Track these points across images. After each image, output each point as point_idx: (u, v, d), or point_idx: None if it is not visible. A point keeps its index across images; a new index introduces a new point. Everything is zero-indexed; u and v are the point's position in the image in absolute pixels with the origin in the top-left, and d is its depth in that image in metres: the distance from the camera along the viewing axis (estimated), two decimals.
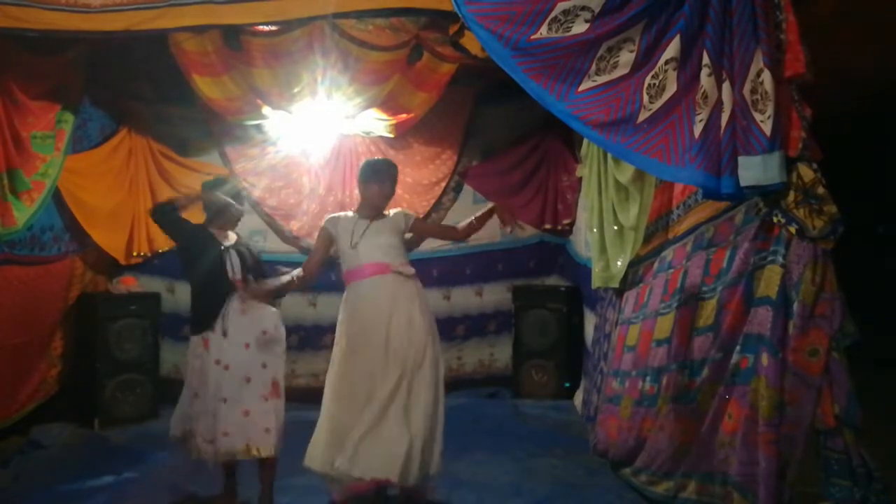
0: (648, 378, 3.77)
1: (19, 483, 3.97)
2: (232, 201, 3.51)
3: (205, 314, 3.33)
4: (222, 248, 3.41)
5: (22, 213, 4.34)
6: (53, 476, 4.06)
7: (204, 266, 3.36)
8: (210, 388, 3.26)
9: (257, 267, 3.56)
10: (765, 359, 2.60)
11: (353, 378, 3.24)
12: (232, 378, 3.25)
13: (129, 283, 5.49)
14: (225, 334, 3.28)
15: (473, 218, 3.58)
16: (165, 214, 3.46)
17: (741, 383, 2.77)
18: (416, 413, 3.15)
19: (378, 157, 3.67)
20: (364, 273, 3.32)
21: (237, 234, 3.58)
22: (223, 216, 3.49)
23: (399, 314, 3.25)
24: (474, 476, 3.96)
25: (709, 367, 3.00)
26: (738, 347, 2.80)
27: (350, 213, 3.48)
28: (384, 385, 3.14)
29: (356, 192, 6.23)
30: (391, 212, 3.48)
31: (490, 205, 3.61)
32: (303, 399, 5.86)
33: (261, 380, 3.32)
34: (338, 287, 6.21)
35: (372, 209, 3.42)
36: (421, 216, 3.62)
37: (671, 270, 3.75)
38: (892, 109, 4.19)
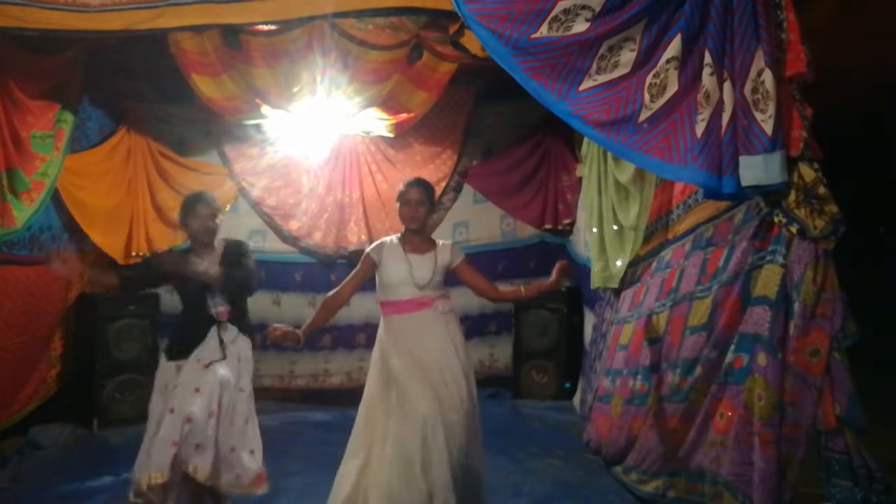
0: (639, 377, 3.77)
1: (19, 483, 3.96)
2: (198, 218, 3.31)
3: (184, 342, 3.24)
4: (204, 285, 3.26)
5: (21, 213, 4.33)
6: (53, 476, 4.06)
7: (187, 299, 3.32)
8: (206, 412, 3.09)
9: (241, 274, 3.35)
10: (762, 358, 2.60)
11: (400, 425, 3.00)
12: (197, 398, 3.11)
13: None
14: (224, 357, 3.20)
15: (523, 287, 3.38)
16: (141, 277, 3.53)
17: (735, 383, 2.77)
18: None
19: (409, 181, 3.35)
20: (408, 308, 3.15)
21: (227, 243, 3.42)
22: (194, 234, 3.34)
23: (443, 355, 3.11)
24: None
25: (702, 365, 2.99)
26: (732, 347, 2.79)
27: (395, 240, 3.26)
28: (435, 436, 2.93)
29: (356, 191, 6.33)
30: (440, 243, 3.27)
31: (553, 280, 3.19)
32: (302, 400, 5.89)
33: (245, 406, 3.24)
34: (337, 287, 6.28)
35: (409, 233, 3.23)
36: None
37: (668, 270, 3.75)
38: (892, 109, 4.19)
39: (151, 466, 2.98)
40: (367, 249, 3.27)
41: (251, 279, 3.38)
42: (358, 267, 3.25)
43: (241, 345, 3.30)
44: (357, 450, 3.09)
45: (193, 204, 3.33)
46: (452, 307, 3.26)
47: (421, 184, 3.26)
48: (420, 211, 3.19)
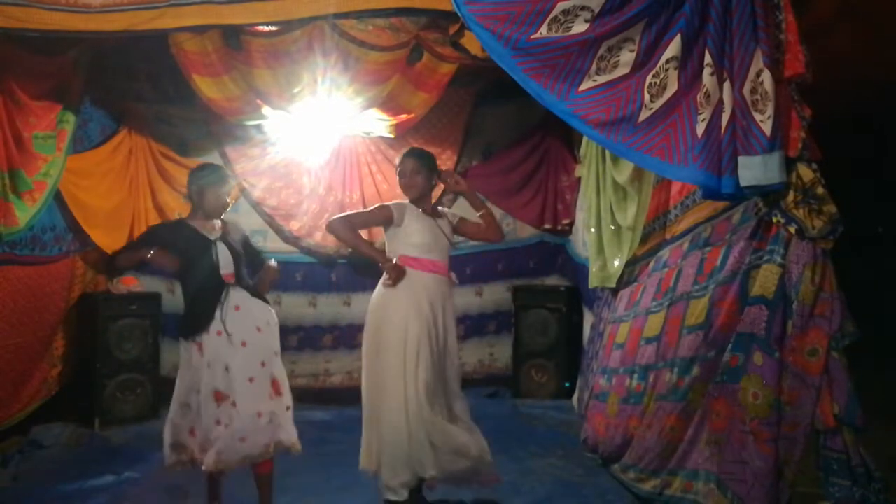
0: (636, 375, 3.78)
1: (19, 483, 3.97)
2: (214, 188, 3.31)
3: (199, 315, 3.16)
4: (209, 241, 3.25)
5: (24, 213, 4.34)
6: (53, 476, 4.07)
7: (192, 264, 3.21)
8: (207, 393, 3.11)
9: (250, 255, 3.44)
10: (758, 358, 2.61)
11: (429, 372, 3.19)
12: (235, 379, 3.10)
13: (130, 283, 5.49)
14: (222, 333, 3.13)
15: (479, 217, 3.50)
16: (133, 245, 3.43)
17: (730, 382, 2.78)
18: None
19: (405, 152, 3.45)
20: (434, 268, 3.27)
21: (224, 220, 3.40)
22: (205, 206, 3.31)
23: (446, 319, 3.30)
24: None
25: (699, 365, 3.00)
26: (729, 346, 2.80)
27: (410, 203, 3.35)
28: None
29: (356, 192, 6.34)
30: (447, 212, 3.46)
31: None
32: (302, 399, 5.88)
33: (263, 378, 3.20)
34: (337, 287, 6.30)
35: (421, 203, 3.34)
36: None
37: (665, 270, 3.76)
38: (892, 109, 4.19)
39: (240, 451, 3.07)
40: (388, 203, 3.34)
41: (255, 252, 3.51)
42: (368, 211, 3.35)
43: (256, 312, 3.26)
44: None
45: (210, 176, 3.31)
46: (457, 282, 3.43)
47: (415, 153, 3.36)
48: (416, 180, 3.28)
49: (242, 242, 3.44)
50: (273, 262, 3.52)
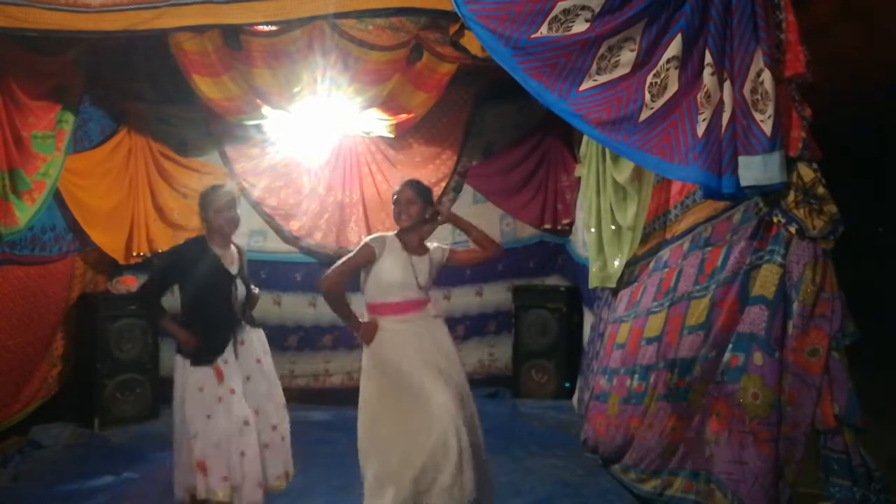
0: (636, 376, 3.77)
1: (19, 483, 3.97)
2: (228, 213, 3.27)
3: (211, 346, 3.15)
4: (232, 277, 3.26)
5: (23, 213, 4.34)
6: (53, 476, 4.06)
7: (209, 294, 3.20)
8: (240, 420, 3.12)
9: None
10: (758, 358, 2.61)
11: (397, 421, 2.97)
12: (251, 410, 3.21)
13: (129, 283, 5.48)
14: (231, 364, 3.19)
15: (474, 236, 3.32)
16: (157, 272, 3.47)
17: (730, 381, 2.78)
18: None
19: (404, 181, 3.29)
20: (408, 308, 3.12)
21: (240, 251, 3.39)
22: (218, 229, 3.28)
23: (449, 349, 3.16)
24: None
25: (700, 365, 3.00)
26: (729, 346, 2.80)
27: (394, 237, 3.19)
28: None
29: (356, 192, 6.34)
30: (432, 246, 3.27)
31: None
32: (302, 399, 5.88)
33: (270, 408, 3.30)
34: None
35: (403, 232, 3.20)
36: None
37: (666, 270, 3.75)
38: (892, 109, 4.19)
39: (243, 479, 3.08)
40: (367, 239, 3.20)
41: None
42: (354, 254, 3.17)
43: (261, 338, 3.37)
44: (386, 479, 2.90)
45: (219, 197, 3.28)
46: (441, 312, 3.29)
47: (411, 184, 3.25)
48: (411, 210, 3.17)
49: (248, 271, 3.45)
50: (256, 291, 3.51)
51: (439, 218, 3.28)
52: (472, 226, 3.33)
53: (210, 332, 3.17)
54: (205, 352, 3.14)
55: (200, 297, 3.21)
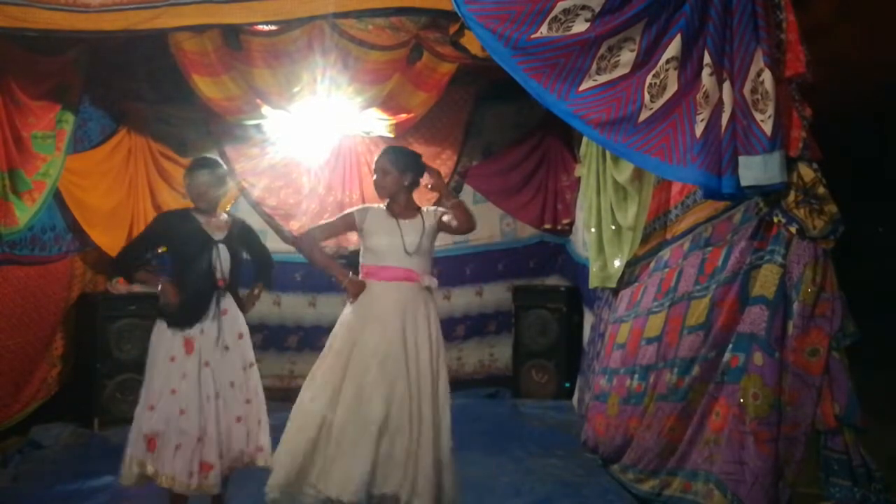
0: (636, 376, 3.77)
1: (19, 483, 3.97)
2: (212, 183, 3.26)
3: (191, 311, 3.14)
4: (212, 241, 3.23)
5: (23, 213, 4.34)
6: (53, 476, 4.06)
7: (191, 259, 3.19)
8: (208, 394, 3.08)
9: (257, 254, 3.53)
10: (758, 358, 2.61)
11: (359, 389, 2.93)
12: (218, 381, 3.12)
13: (129, 284, 5.48)
14: (207, 333, 3.14)
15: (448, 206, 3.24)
16: (140, 238, 3.47)
17: (731, 382, 2.77)
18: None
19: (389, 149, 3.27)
20: (394, 275, 3.05)
21: (234, 220, 3.39)
22: (197, 201, 3.27)
23: (417, 333, 3.01)
24: (474, 476, 3.95)
25: (699, 365, 3.00)
26: (729, 346, 2.80)
27: (381, 206, 3.18)
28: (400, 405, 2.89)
29: (356, 192, 6.33)
30: (425, 209, 3.21)
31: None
32: None
33: (245, 384, 3.24)
34: (337, 287, 6.26)
35: (392, 203, 3.15)
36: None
37: (666, 270, 3.75)
38: (892, 109, 4.19)
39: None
40: (352, 209, 3.20)
41: (269, 256, 3.60)
42: (336, 219, 3.21)
43: (240, 320, 3.29)
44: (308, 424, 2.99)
45: (195, 169, 3.28)
46: (436, 284, 3.16)
47: (388, 152, 3.21)
48: (386, 179, 3.12)
49: (248, 243, 3.45)
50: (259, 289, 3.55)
51: (429, 186, 3.23)
52: (450, 193, 3.33)
53: (189, 295, 3.17)
54: (183, 313, 3.14)
55: (181, 259, 3.24)
